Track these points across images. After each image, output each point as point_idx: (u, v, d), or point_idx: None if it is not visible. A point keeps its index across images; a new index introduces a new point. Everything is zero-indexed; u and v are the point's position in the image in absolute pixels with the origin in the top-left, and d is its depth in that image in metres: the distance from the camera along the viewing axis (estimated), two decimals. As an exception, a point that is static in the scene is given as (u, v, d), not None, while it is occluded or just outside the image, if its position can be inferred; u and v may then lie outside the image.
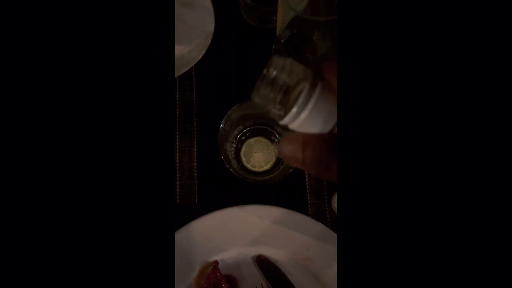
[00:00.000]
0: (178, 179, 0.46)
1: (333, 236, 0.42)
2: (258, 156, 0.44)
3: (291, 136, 0.20)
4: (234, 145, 0.44)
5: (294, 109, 0.18)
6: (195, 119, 0.47)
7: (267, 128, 0.44)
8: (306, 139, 0.20)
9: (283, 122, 0.19)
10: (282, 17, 0.39)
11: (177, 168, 0.46)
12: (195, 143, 0.47)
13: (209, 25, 0.47)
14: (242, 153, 0.44)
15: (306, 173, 0.46)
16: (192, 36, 0.48)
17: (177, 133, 0.47)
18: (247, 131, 0.44)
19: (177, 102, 0.48)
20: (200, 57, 0.46)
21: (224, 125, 0.40)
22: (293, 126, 0.19)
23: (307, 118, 0.19)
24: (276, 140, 0.44)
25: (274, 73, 0.19)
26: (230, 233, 0.42)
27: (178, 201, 0.45)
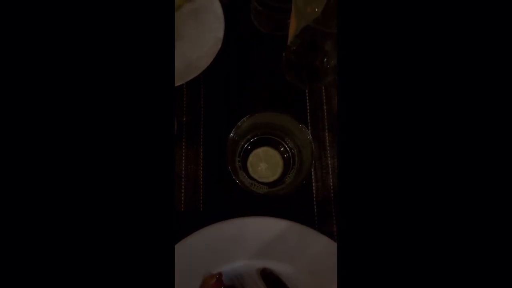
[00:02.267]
0: (183, 187, 0.45)
1: (340, 250, 0.41)
2: (265, 166, 0.43)
3: None
4: (241, 154, 0.43)
5: None
6: (202, 126, 0.47)
7: (275, 138, 0.44)
8: None
9: None
10: (295, 26, 0.38)
11: (183, 175, 0.45)
12: (202, 150, 0.46)
13: (219, 31, 0.47)
14: (248, 163, 0.43)
15: (313, 184, 0.45)
16: (201, 42, 0.47)
17: (184, 140, 0.46)
18: (254, 141, 0.43)
19: (184, 109, 0.47)
20: (209, 63, 0.46)
21: (234, 135, 0.40)
22: None
23: None
24: (283, 149, 0.44)
25: None
26: (234, 245, 0.42)
27: (182, 209, 0.44)
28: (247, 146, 0.43)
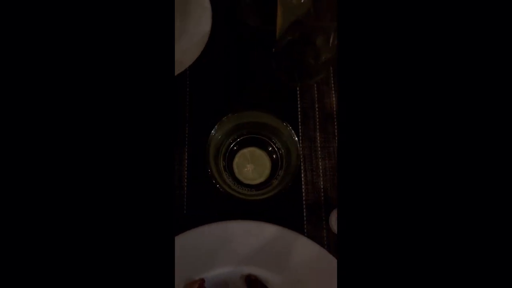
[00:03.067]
0: (166, 188, 0.43)
1: (329, 257, 0.39)
2: (251, 168, 0.41)
3: None
4: (226, 155, 0.41)
5: None
6: (187, 125, 0.44)
7: (262, 137, 0.41)
8: None
9: None
10: (282, 20, 0.36)
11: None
12: (186, 150, 0.44)
13: (206, 24, 0.44)
14: (234, 164, 0.41)
15: (303, 187, 0.43)
16: (187, 36, 0.45)
17: (168, 139, 0.44)
18: (241, 141, 0.41)
19: (169, 106, 0.45)
20: (195, 58, 0.43)
21: (216, 134, 0.38)
22: None
23: None
24: (271, 149, 0.41)
25: None
26: (218, 250, 0.40)
27: (165, 211, 0.43)
28: (233, 147, 0.41)
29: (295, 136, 0.36)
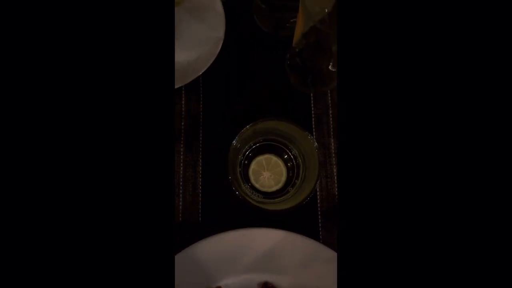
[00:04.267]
0: (181, 195, 0.43)
1: (346, 264, 0.39)
2: (268, 175, 0.41)
3: None
4: (242, 162, 0.41)
5: None
6: (201, 131, 0.44)
7: (278, 145, 0.41)
8: None
9: None
10: (302, 27, 0.36)
11: (180, 183, 0.43)
12: (201, 156, 0.44)
13: (219, 31, 0.44)
14: (250, 171, 0.41)
15: (318, 194, 0.43)
16: (200, 42, 0.44)
17: (182, 145, 0.44)
18: (256, 148, 0.41)
19: (183, 113, 0.45)
20: (209, 65, 0.43)
21: (235, 143, 0.37)
22: None
23: None
24: (287, 157, 0.41)
25: None
26: (235, 258, 0.39)
27: (180, 218, 0.42)
28: (248, 154, 0.41)
29: (316, 144, 0.36)
